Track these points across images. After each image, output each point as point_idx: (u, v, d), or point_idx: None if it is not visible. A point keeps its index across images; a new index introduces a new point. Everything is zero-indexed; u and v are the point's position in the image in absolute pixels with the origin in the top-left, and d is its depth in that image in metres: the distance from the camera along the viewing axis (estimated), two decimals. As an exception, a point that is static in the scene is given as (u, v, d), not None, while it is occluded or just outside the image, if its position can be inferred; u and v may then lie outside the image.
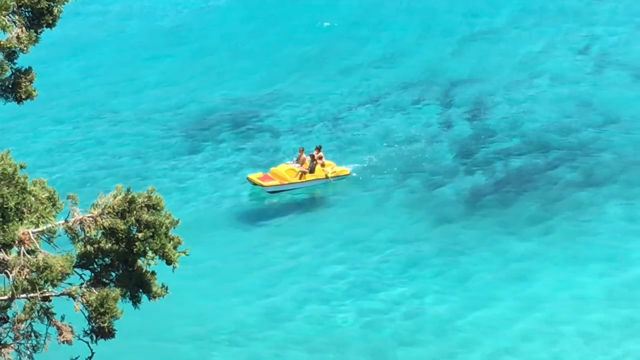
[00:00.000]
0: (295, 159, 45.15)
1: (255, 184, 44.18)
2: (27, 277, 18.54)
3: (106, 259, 19.66)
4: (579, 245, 39.48)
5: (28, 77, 20.25)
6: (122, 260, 19.53)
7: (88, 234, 19.32)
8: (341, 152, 47.07)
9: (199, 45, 59.06)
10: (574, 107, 50.00)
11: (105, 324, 19.44)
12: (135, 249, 19.12)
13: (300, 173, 44.55)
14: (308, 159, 44.80)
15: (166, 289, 20.12)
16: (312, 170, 44.79)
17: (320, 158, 44.97)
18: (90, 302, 19.34)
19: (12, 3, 19.29)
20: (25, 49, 19.59)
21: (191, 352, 34.18)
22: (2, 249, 18.16)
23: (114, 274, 19.72)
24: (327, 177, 44.82)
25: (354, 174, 45.20)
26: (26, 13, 19.70)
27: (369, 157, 46.40)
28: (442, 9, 61.48)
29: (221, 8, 63.94)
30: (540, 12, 60.55)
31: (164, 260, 19.48)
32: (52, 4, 19.71)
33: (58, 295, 19.57)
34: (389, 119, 49.79)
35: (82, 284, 19.63)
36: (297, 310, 36.53)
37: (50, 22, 19.90)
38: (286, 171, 44.57)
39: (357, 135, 48.62)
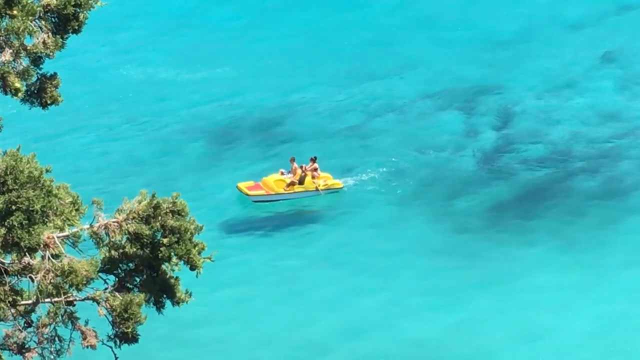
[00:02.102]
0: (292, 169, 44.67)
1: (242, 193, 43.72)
2: (52, 281, 18.60)
3: (130, 264, 19.71)
4: (602, 258, 39.26)
5: (53, 83, 20.30)
6: (146, 266, 19.58)
7: (113, 239, 19.38)
8: (362, 159, 46.91)
9: (221, 52, 59.11)
10: (597, 118, 49.77)
11: (129, 330, 19.49)
12: (160, 255, 19.16)
13: (288, 184, 43.91)
14: (300, 169, 44.12)
15: (190, 294, 20.15)
16: (301, 182, 44.05)
17: (315, 170, 44.21)
18: (114, 307, 19.38)
19: (38, 8, 19.38)
20: (51, 54, 19.65)
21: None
22: (27, 253, 18.22)
23: (138, 279, 19.76)
24: (317, 190, 44.11)
25: (369, 187, 44.53)
26: (52, 19, 19.77)
27: (390, 166, 46.19)
28: (466, 18, 61.36)
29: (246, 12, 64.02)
30: (564, 21, 60.35)
31: (188, 266, 19.52)
32: (78, 10, 19.77)
33: (82, 300, 19.63)
34: (412, 127, 49.67)
35: (106, 288, 19.69)
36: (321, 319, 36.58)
37: (76, 27, 19.96)
38: (275, 182, 43.87)
39: (379, 143, 48.47)
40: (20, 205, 17.26)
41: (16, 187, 17.31)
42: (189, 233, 19.04)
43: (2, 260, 18.81)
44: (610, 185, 44.30)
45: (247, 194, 43.67)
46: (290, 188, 43.97)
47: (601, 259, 39.26)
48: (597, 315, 36.06)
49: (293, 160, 44.69)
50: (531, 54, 56.65)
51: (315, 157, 44.70)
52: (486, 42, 58.18)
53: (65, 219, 18.00)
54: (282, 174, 44.43)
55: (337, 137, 49.10)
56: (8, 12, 18.81)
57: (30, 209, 17.24)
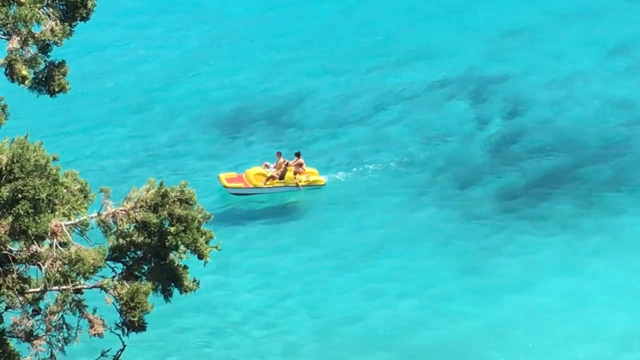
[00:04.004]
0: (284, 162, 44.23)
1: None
2: (60, 269, 18.60)
3: (138, 252, 19.71)
4: (613, 247, 39.21)
5: (61, 71, 20.23)
6: (154, 254, 19.57)
7: (120, 227, 19.38)
8: (372, 148, 46.86)
9: (233, 39, 59.05)
10: (606, 107, 49.60)
11: (136, 318, 19.48)
12: (167, 243, 19.15)
13: (267, 178, 43.64)
14: (283, 164, 43.71)
15: (197, 283, 20.15)
16: (281, 177, 43.77)
17: (300, 165, 43.87)
18: (121, 295, 19.38)
19: (46, -5, 19.34)
20: (59, 42, 19.60)
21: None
22: (34, 241, 18.22)
23: (146, 267, 19.76)
24: (297, 185, 43.85)
25: (378, 176, 44.37)
26: (60, 6, 19.71)
27: (400, 154, 46.16)
28: (476, 6, 61.16)
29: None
30: (573, 11, 60.08)
31: (196, 255, 19.50)
32: (86, -3, 19.73)
33: (90, 288, 19.64)
34: (422, 116, 49.58)
35: (114, 276, 19.69)
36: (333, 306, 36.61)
37: (85, 15, 19.90)
38: (255, 175, 43.58)
39: (388, 132, 48.40)
40: (27, 194, 17.24)
41: (23, 175, 17.30)
42: (196, 222, 19.03)
43: (10, 248, 18.82)
44: (620, 174, 44.19)
45: (225, 186, 43.26)
46: (270, 182, 43.74)
47: (612, 246, 39.22)
48: (606, 304, 36.08)
49: (280, 154, 44.30)
50: (541, 43, 56.42)
51: (299, 152, 44.30)
52: (496, 30, 57.97)
53: (71, 207, 17.97)
54: (267, 166, 44.12)
55: (347, 126, 49.00)
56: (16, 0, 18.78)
57: (36, 197, 17.22)
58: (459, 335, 35.06)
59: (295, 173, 43.83)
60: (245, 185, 43.51)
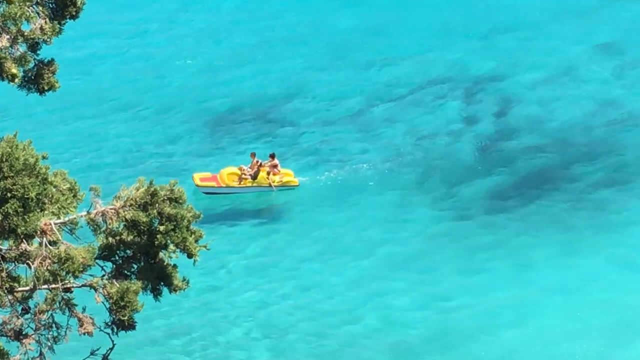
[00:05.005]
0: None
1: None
2: (49, 268, 18.55)
3: (128, 251, 19.66)
4: (603, 246, 39.29)
5: (51, 69, 20.19)
6: (143, 253, 19.52)
7: (110, 226, 19.32)
8: (363, 147, 46.89)
9: (223, 39, 59.00)
10: (596, 106, 49.70)
11: (125, 318, 19.44)
12: (156, 242, 19.11)
13: (240, 178, 43.67)
14: (257, 165, 43.81)
15: (187, 282, 20.12)
16: (254, 177, 43.89)
17: (275, 166, 43.96)
18: (111, 294, 19.34)
19: (36, -6, 19.28)
20: (48, 40, 19.54)
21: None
22: (24, 240, 18.18)
23: (135, 266, 19.72)
24: (270, 186, 43.92)
25: (368, 175, 44.37)
26: (50, 4, 19.67)
27: (391, 153, 46.21)
28: (466, 5, 61.20)
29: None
30: (564, 9, 60.16)
31: (185, 254, 19.48)
32: (76, -4, 19.68)
33: (79, 287, 19.58)
34: (411, 115, 49.63)
35: (103, 275, 19.64)
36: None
37: (74, 13, 19.83)
38: (227, 175, 43.71)
39: (378, 130, 48.44)
40: (16, 193, 17.21)
41: (11, 174, 17.26)
42: (185, 221, 18.98)
43: (-1, 246, 18.80)
44: (609, 173, 44.30)
45: (197, 185, 43.28)
46: (242, 182, 43.76)
47: (600, 245, 39.30)
48: (596, 302, 36.14)
49: (254, 155, 44.39)
50: (531, 42, 56.49)
51: (274, 154, 44.39)
52: (485, 29, 58.01)
53: (60, 207, 17.94)
54: (242, 168, 44.12)
55: (337, 125, 49.03)
56: (5, -2, 18.73)
57: (25, 196, 17.18)
58: (450, 331, 35.12)
59: (268, 173, 43.79)
60: (217, 184, 43.58)
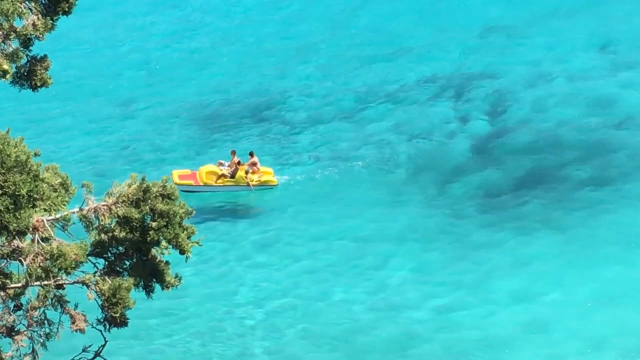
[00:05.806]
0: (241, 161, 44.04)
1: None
2: (41, 264, 18.54)
3: (120, 248, 19.65)
4: (594, 246, 39.31)
5: (43, 65, 20.16)
6: (136, 249, 19.52)
7: (102, 223, 19.33)
8: (355, 145, 46.83)
9: (218, 36, 58.95)
10: (589, 106, 49.62)
11: (117, 314, 19.43)
12: (149, 238, 19.11)
13: (219, 176, 43.52)
14: (236, 164, 43.65)
15: (180, 279, 20.11)
16: (232, 176, 43.66)
17: (254, 164, 43.78)
18: (103, 291, 19.33)
19: (28, -10, 19.25)
20: (41, 36, 19.52)
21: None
22: (16, 236, 18.16)
23: (127, 263, 19.71)
24: (248, 185, 43.65)
25: (360, 173, 44.22)
26: (42, 0, 19.65)
27: (383, 152, 46.13)
28: (459, 3, 61.16)
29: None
30: (556, 8, 60.11)
31: (177, 250, 19.47)
32: (68, -9, 19.64)
33: (72, 284, 19.58)
34: (404, 114, 49.57)
35: (95, 272, 19.63)
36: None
37: (67, 9, 19.82)
38: (206, 173, 43.50)
39: (370, 129, 48.38)
40: (7, 190, 17.19)
41: (3, 171, 17.25)
42: (178, 217, 18.99)
43: (-9, 243, 18.76)
44: (601, 172, 44.27)
45: (175, 183, 42.50)
46: (221, 181, 43.61)
47: (592, 244, 39.33)
48: (587, 300, 36.18)
49: (234, 153, 44.20)
50: (523, 41, 56.45)
51: (252, 152, 44.23)
52: (478, 28, 57.97)
53: (51, 204, 17.92)
54: (221, 164, 44.01)
55: (330, 124, 48.98)
56: (-3, -6, 18.70)
57: (17, 193, 17.17)
58: (443, 331, 35.12)
59: (247, 172, 43.70)
60: (195, 182, 43.39)
